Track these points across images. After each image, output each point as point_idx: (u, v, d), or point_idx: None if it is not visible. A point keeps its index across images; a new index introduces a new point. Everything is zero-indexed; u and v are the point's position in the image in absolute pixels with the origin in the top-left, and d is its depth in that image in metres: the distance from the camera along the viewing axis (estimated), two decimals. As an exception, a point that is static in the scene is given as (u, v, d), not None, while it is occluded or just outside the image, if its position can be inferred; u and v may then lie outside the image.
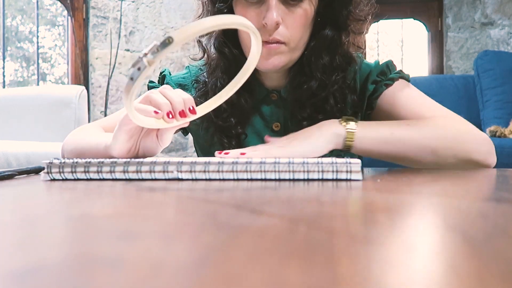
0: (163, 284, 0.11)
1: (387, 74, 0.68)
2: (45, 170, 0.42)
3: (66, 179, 0.42)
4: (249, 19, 0.61)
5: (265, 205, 0.24)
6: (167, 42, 0.35)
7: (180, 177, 0.40)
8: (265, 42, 0.61)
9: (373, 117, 0.70)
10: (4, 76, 2.56)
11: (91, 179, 0.42)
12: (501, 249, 0.14)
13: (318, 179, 0.39)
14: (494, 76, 2.22)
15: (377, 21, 2.92)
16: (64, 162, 0.42)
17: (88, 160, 0.42)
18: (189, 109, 0.51)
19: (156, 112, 0.47)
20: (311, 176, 0.39)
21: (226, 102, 0.67)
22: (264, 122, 0.71)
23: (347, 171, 0.39)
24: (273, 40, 0.60)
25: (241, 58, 0.67)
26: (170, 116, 0.48)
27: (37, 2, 2.76)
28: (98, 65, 2.73)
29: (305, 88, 0.66)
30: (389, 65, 0.69)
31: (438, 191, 0.32)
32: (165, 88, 0.51)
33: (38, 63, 2.86)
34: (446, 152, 0.59)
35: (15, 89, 1.84)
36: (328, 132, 0.56)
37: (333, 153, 0.65)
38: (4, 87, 2.53)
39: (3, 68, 2.55)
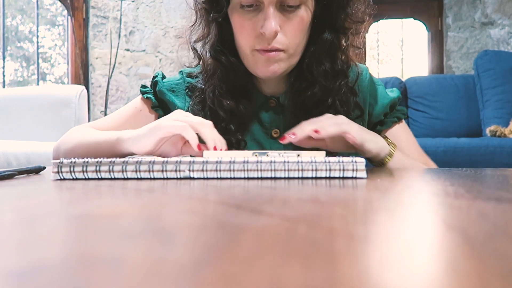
0: (163, 284, 0.11)
1: (394, 107, 0.74)
2: (55, 170, 0.42)
3: (77, 178, 0.42)
4: (246, 27, 0.61)
5: (265, 204, 0.24)
6: None
7: (192, 176, 0.41)
8: (263, 50, 0.60)
9: None
10: (4, 75, 2.56)
11: (101, 179, 0.42)
12: (501, 249, 0.14)
13: (325, 177, 0.40)
14: (494, 75, 2.22)
15: (377, 21, 2.92)
16: (74, 162, 0.42)
17: (99, 159, 0.42)
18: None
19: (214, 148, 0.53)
20: (319, 174, 0.40)
21: (225, 110, 0.67)
22: (263, 129, 0.70)
23: (353, 170, 0.40)
24: (272, 48, 0.60)
25: (239, 66, 0.66)
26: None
27: (37, 1, 2.76)
28: (98, 65, 2.73)
29: (309, 94, 0.65)
30: (399, 99, 0.75)
31: (438, 190, 0.32)
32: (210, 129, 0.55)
33: (38, 63, 2.86)
34: None
35: (15, 89, 1.84)
36: (383, 141, 0.62)
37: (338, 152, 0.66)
38: (4, 86, 2.53)
39: (3, 67, 2.55)
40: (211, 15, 0.63)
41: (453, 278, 0.11)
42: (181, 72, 0.76)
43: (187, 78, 0.74)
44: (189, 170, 0.41)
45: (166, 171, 0.41)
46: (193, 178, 0.40)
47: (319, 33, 0.64)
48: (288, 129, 0.70)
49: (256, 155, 0.45)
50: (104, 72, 2.71)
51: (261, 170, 0.40)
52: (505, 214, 0.21)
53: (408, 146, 0.72)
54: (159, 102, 0.74)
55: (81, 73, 2.63)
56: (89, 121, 2.60)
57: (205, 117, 0.68)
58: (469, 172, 0.49)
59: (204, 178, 0.40)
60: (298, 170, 0.40)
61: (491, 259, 0.13)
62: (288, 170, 0.40)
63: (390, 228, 0.18)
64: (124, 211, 0.23)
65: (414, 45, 3.25)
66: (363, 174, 0.40)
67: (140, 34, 2.74)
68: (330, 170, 0.40)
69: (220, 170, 0.40)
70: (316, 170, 0.40)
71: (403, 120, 0.75)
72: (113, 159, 0.42)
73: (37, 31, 2.85)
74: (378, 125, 0.73)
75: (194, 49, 0.68)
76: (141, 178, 0.41)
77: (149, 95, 0.74)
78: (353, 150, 0.61)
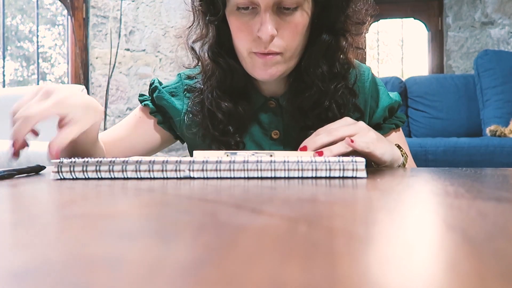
0: (163, 284, 0.11)
1: (393, 113, 0.73)
2: (55, 169, 0.42)
3: (77, 178, 0.42)
4: (243, 30, 0.60)
5: (265, 204, 0.24)
6: None
7: (192, 176, 0.41)
8: (261, 54, 0.60)
9: None
10: (4, 75, 2.56)
11: (101, 178, 0.42)
12: (501, 249, 0.14)
13: (326, 177, 0.40)
14: (494, 75, 2.22)
15: (377, 21, 2.92)
16: (74, 162, 0.42)
17: (99, 159, 0.42)
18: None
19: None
20: (319, 174, 0.40)
21: (223, 112, 0.66)
22: (262, 130, 0.70)
23: (353, 169, 0.40)
24: (269, 52, 0.59)
25: (237, 68, 0.65)
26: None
27: (37, 1, 2.76)
28: (98, 65, 2.73)
29: (306, 96, 0.65)
30: (399, 105, 0.74)
31: (438, 190, 0.32)
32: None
33: (38, 63, 2.86)
34: None
35: (15, 89, 1.84)
36: (398, 151, 0.60)
37: None
38: (4, 86, 2.53)
39: (3, 67, 2.55)
40: (208, 17, 0.63)
41: (453, 278, 0.11)
42: (179, 75, 0.77)
43: (185, 80, 0.75)
44: (189, 170, 0.41)
45: (166, 170, 0.41)
46: (193, 178, 0.40)
47: (318, 35, 0.63)
48: (288, 130, 0.70)
49: (227, 155, 0.45)
50: (104, 71, 2.71)
51: (261, 170, 0.40)
52: (505, 213, 0.21)
53: None
54: (156, 107, 0.75)
55: (81, 72, 2.63)
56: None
57: (204, 118, 0.68)
58: (469, 172, 0.49)
59: (204, 178, 0.40)
60: (298, 170, 0.40)
61: (491, 259, 0.13)
62: (288, 170, 0.40)
63: (390, 227, 0.18)
64: (124, 211, 0.23)
65: (414, 45, 3.25)
66: (363, 174, 0.40)
67: (140, 34, 2.74)
68: (330, 170, 0.40)
69: (220, 170, 0.40)
70: (316, 170, 0.40)
71: (400, 128, 0.75)
72: (113, 159, 0.42)
73: (37, 31, 2.85)
74: (376, 130, 0.72)
75: (193, 50, 0.68)
76: (141, 178, 0.41)
77: (147, 102, 0.76)
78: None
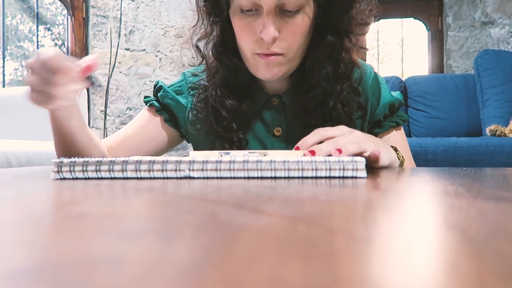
0: (163, 284, 0.11)
1: (395, 110, 0.73)
2: (55, 169, 0.42)
3: (77, 178, 0.42)
4: (246, 31, 0.60)
5: (265, 204, 0.24)
6: None
7: (191, 175, 0.41)
8: (263, 55, 0.60)
9: None
10: (4, 75, 2.56)
11: (101, 178, 0.42)
12: (501, 248, 0.14)
13: (325, 177, 0.40)
14: (494, 75, 2.22)
15: (377, 21, 2.92)
16: (74, 161, 0.42)
17: (99, 159, 0.42)
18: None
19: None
20: (319, 174, 0.40)
21: (227, 109, 0.67)
22: (265, 127, 0.71)
23: (353, 169, 0.40)
24: (271, 53, 0.60)
25: (241, 67, 0.66)
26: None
27: (37, 1, 2.76)
28: (98, 64, 2.73)
29: (310, 96, 0.65)
30: (401, 103, 0.73)
31: (438, 190, 0.32)
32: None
33: (38, 62, 2.85)
34: None
35: (15, 88, 1.84)
36: (394, 153, 0.59)
37: None
38: (4, 86, 2.53)
39: (3, 67, 2.55)
40: (212, 18, 0.63)
41: (453, 278, 0.11)
42: (183, 73, 0.78)
43: (189, 78, 0.76)
44: (189, 170, 0.41)
45: (166, 170, 0.41)
46: (193, 178, 0.40)
47: (322, 35, 0.64)
48: (290, 127, 0.70)
49: (222, 155, 0.45)
50: (104, 71, 2.71)
51: (261, 170, 0.40)
52: (505, 213, 0.21)
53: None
54: (162, 106, 0.76)
55: (81, 72, 2.63)
56: (89, 120, 2.60)
57: (208, 114, 0.69)
58: (469, 172, 0.49)
59: (204, 178, 0.40)
60: (298, 169, 0.40)
61: (491, 258, 0.13)
62: (288, 169, 0.40)
63: (390, 227, 0.18)
64: (124, 211, 0.23)
65: (414, 45, 3.25)
66: (363, 173, 0.40)
67: (140, 34, 2.74)
68: (330, 169, 0.40)
69: (220, 170, 0.41)
70: (316, 169, 0.40)
71: (401, 127, 0.75)
72: (113, 159, 0.42)
73: (37, 31, 2.85)
74: (376, 127, 0.72)
75: (197, 48, 0.68)
76: (141, 178, 0.41)
77: (152, 102, 0.76)
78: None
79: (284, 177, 0.40)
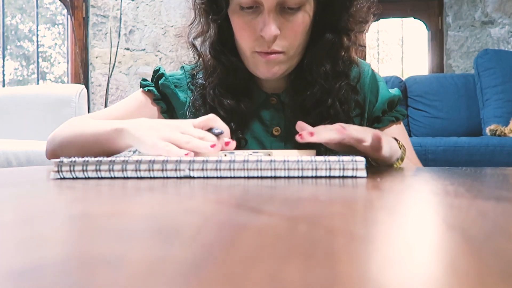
0: (163, 283, 0.11)
1: (393, 106, 0.72)
2: (55, 169, 0.42)
3: (77, 178, 0.42)
4: (246, 29, 0.60)
5: (265, 204, 0.24)
6: None
7: (192, 175, 0.41)
8: (263, 53, 0.60)
9: None
10: (4, 75, 2.56)
11: (101, 178, 0.42)
12: (501, 248, 0.14)
13: (325, 177, 0.40)
14: (494, 75, 2.22)
15: (377, 20, 2.92)
16: (75, 161, 0.42)
17: (99, 158, 0.42)
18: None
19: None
20: (319, 173, 0.40)
21: (225, 109, 0.66)
22: (263, 126, 0.70)
23: (353, 169, 0.40)
24: (271, 51, 0.59)
25: (239, 65, 0.65)
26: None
27: (37, 0, 2.76)
28: (98, 64, 2.73)
29: (308, 94, 0.65)
30: (399, 99, 0.72)
31: (437, 189, 0.32)
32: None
33: (38, 62, 2.86)
34: None
35: (15, 88, 1.84)
36: (395, 144, 0.57)
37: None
38: (4, 86, 2.53)
39: (3, 67, 2.55)
40: (210, 16, 0.63)
41: (452, 277, 0.11)
42: (182, 67, 0.75)
43: (188, 73, 0.74)
44: (189, 169, 0.41)
45: (166, 170, 0.41)
46: (193, 178, 0.40)
47: (321, 33, 0.63)
48: (289, 127, 0.70)
49: (225, 155, 0.45)
50: (104, 71, 2.71)
51: (261, 169, 0.40)
52: (505, 213, 0.21)
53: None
54: (161, 95, 0.72)
55: (81, 72, 2.63)
56: (89, 120, 2.58)
57: (206, 112, 0.68)
58: (469, 171, 0.49)
59: (204, 177, 0.40)
60: (298, 169, 0.40)
61: (491, 258, 0.13)
62: (288, 169, 0.40)
63: (390, 227, 0.18)
64: (124, 210, 0.23)
65: (414, 44, 3.25)
66: (363, 173, 0.40)
67: (140, 33, 2.74)
68: (330, 169, 0.40)
69: (220, 169, 0.41)
70: (316, 169, 0.40)
71: (401, 122, 0.74)
72: (113, 158, 0.42)
73: (37, 30, 2.85)
74: (375, 123, 0.72)
75: (194, 47, 0.67)
76: (141, 178, 0.41)
77: (151, 88, 0.72)
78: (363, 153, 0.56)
79: (284, 177, 0.40)
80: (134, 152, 0.55)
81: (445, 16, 2.78)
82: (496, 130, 1.93)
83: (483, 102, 2.26)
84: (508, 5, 2.70)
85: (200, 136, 0.49)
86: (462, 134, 2.20)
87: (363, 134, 0.48)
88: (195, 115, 0.70)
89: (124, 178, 0.41)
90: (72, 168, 0.42)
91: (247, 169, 0.40)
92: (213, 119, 0.53)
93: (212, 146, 0.47)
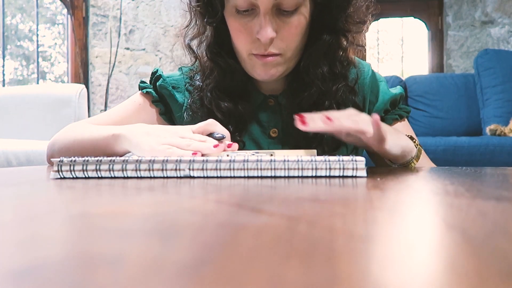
0: (163, 283, 0.11)
1: (396, 105, 0.71)
2: (55, 169, 0.42)
3: (77, 177, 0.42)
4: (242, 32, 0.59)
5: (265, 203, 0.24)
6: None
7: (191, 174, 0.41)
8: (260, 56, 0.59)
9: None
10: (4, 74, 2.56)
11: (101, 177, 0.42)
12: (501, 248, 0.14)
13: (325, 176, 0.40)
14: (494, 74, 2.22)
15: (377, 20, 2.91)
16: (75, 161, 0.42)
17: (99, 158, 0.42)
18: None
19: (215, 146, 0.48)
20: (319, 173, 0.40)
21: (223, 112, 0.66)
22: (261, 128, 0.69)
23: (353, 168, 0.40)
24: (268, 54, 0.59)
25: (237, 67, 0.65)
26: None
27: (37, 0, 2.76)
28: (98, 64, 2.73)
29: (306, 95, 0.64)
30: (402, 97, 0.71)
31: (437, 189, 0.32)
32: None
33: (38, 62, 2.86)
34: None
35: (15, 88, 1.84)
36: (411, 144, 0.56)
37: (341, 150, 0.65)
38: (4, 85, 2.53)
39: (3, 66, 2.55)
40: (206, 19, 0.62)
41: (452, 277, 0.11)
42: (180, 68, 0.75)
43: (185, 74, 0.73)
44: (189, 169, 0.41)
45: (166, 170, 0.41)
46: (193, 177, 0.40)
47: (318, 34, 0.63)
48: (287, 129, 0.69)
49: (228, 155, 0.45)
50: (104, 71, 2.71)
51: (261, 169, 0.40)
52: (504, 213, 0.21)
53: None
54: (159, 96, 0.72)
55: (81, 72, 2.63)
56: (89, 120, 2.58)
57: (203, 114, 0.67)
58: (469, 171, 0.49)
59: (204, 177, 0.40)
60: (298, 169, 0.40)
61: (491, 258, 0.13)
62: (288, 169, 0.40)
63: (390, 227, 0.18)
64: (124, 210, 0.23)
65: (414, 44, 3.25)
66: (363, 173, 0.40)
67: (140, 33, 2.74)
68: (330, 169, 0.40)
69: (220, 169, 0.40)
70: (316, 169, 0.40)
71: (406, 119, 0.72)
72: (113, 158, 0.42)
73: (37, 30, 2.85)
74: None
75: (190, 49, 0.67)
76: (141, 177, 0.41)
77: (149, 90, 0.72)
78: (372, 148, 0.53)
79: (284, 177, 0.40)
80: None
81: (445, 16, 2.78)
82: (496, 130, 1.93)
83: (483, 102, 2.26)
84: (508, 5, 2.70)
85: (202, 140, 0.49)
86: (462, 134, 2.20)
87: (361, 125, 0.47)
88: (192, 117, 0.69)
89: (124, 177, 0.41)
90: (72, 168, 0.42)
91: (247, 169, 0.40)
92: (212, 124, 0.53)
93: (215, 146, 0.47)
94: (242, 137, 0.68)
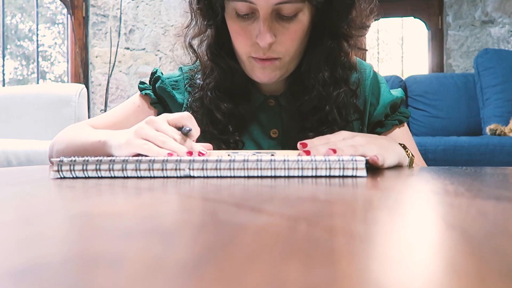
0: (162, 283, 0.11)
1: (396, 108, 0.71)
2: (55, 168, 0.42)
3: (77, 177, 0.42)
4: (242, 35, 0.59)
5: (265, 203, 0.24)
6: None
7: (192, 174, 0.41)
8: (259, 59, 0.59)
9: None
10: (4, 74, 2.56)
11: (101, 177, 0.42)
12: (501, 247, 0.14)
13: (326, 176, 0.40)
14: (494, 74, 2.22)
15: (377, 20, 2.91)
16: (75, 160, 0.42)
17: (99, 158, 0.42)
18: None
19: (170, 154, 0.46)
20: (319, 173, 0.40)
21: (223, 112, 0.66)
22: (261, 129, 0.69)
23: (353, 168, 0.40)
24: (267, 58, 0.59)
25: (237, 68, 0.65)
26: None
27: (37, 0, 2.76)
28: (98, 64, 2.73)
29: (306, 100, 0.64)
30: (402, 101, 0.72)
31: (437, 189, 0.32)
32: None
33: (38, 61, 2.86)
34: None
35: (15, 88, 1.84)
36: (403, 153, 0.56)
37: None
38: (4, 85, 2.53)
39: (3, 66, 2.55)
40: (206, 21, 0.62)
41: (452, 277, 0.11)
42: (180, 68, 0.75)
43: (186, 74, 0.73)
44: (189, 169, 0.41)
45: (166, 169, 0.41)
46: (193, 177, 0.40)
47: (320, 38, 0.62)
48: (287, 130, 0.69)
49: (229, 155, 0.45)
50: (104, 70, 2.71)
51: (261, 169, 0.40)
52: (505, 212, 0.21)
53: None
54: (158, 98, 0.73)
55: (81, 71, 2.63)
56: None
57: (204, 115, 0.67)
58: (469, 171, 0.49)
59: (204, 177, 0.40)
60: (298, 168, 0.40)
61: (491, 257, 0.13)
62: (288, 168, 0.40)
63: (390, 226, 0.18)
64: (124, 210, 0.23)
65: (414, 44, 3.25)
66: (363, 172, 0.40)
67: (140, 33, 2.74)
68: (330, 168, 0.40)
69: (220, 169, 0.41)
70: (316, 168, 0.40)
71: (405, 124, 0.72)
72: (113, 158, 0.42)
73: (37, 30, 2.85)
74: (378, 127, 0.71)
75: (191, 48, 0.67)
76: (141, 177, 0.41)
77: (148, 91, 0.73)
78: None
79: (284, 176, 0.40)
80: None
81: (445, 16, 2.78)
82: (496, 130, 1.93)
83: (483, 102, 2.26)
84: (508, 4, 2.70)
85: (174, 138, 0.49)
86: (462, 133, 2.20)
87: (361, 150, 0.47)
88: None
89: (124, 177, 0.41)
90: (72, 168, 0.42)
91: (247, 169, 0.40)
92: (186, 118, 0.52)
93: (189, 153, 0.46)
94: (242, 137, 0.68)
